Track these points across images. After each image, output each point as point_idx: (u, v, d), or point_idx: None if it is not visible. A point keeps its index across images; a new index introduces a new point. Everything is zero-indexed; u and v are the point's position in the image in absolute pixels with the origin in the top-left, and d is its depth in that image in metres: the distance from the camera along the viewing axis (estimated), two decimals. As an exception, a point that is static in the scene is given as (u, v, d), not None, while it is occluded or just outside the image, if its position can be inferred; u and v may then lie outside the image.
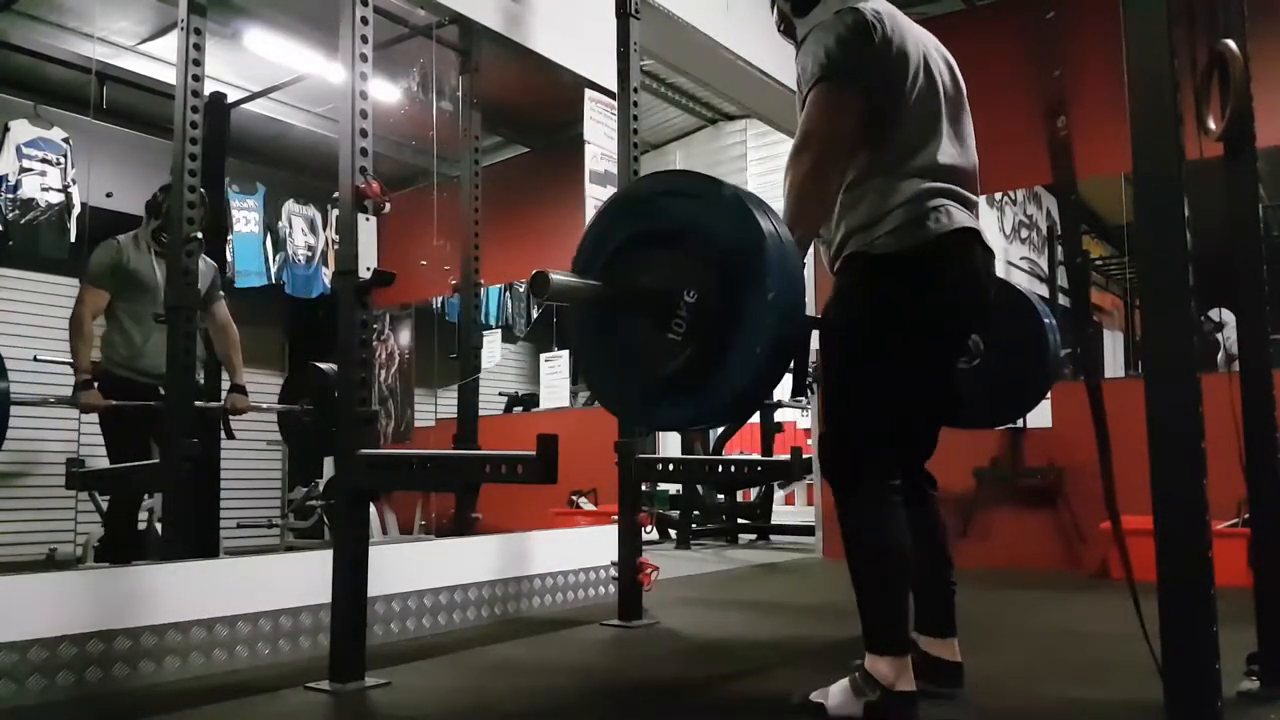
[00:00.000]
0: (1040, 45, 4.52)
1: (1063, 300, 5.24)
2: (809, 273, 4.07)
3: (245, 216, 5.87)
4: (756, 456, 6.24)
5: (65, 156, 4.83)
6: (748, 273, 1.70)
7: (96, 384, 3.58)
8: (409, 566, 3.08)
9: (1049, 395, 3.96)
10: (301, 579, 2.71)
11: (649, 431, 3.94)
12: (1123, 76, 1.78)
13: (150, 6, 4.66)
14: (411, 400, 5.83)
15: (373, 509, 3.74)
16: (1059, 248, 5.30)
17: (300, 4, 4.65)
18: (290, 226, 6.12)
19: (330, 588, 2.42)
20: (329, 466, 5.08)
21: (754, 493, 7.47)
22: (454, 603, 3.19)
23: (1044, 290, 5.29)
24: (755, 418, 6.82)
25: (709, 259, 1.75)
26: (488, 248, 4.45)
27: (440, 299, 5.66)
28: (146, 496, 3.69)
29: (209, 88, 3.89)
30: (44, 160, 4.77)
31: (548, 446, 2.07)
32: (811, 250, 2.15)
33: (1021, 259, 5.35)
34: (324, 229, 6.24)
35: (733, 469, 4.04)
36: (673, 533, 6.84)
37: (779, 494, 8.05)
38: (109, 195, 4.74)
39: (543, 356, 6.41)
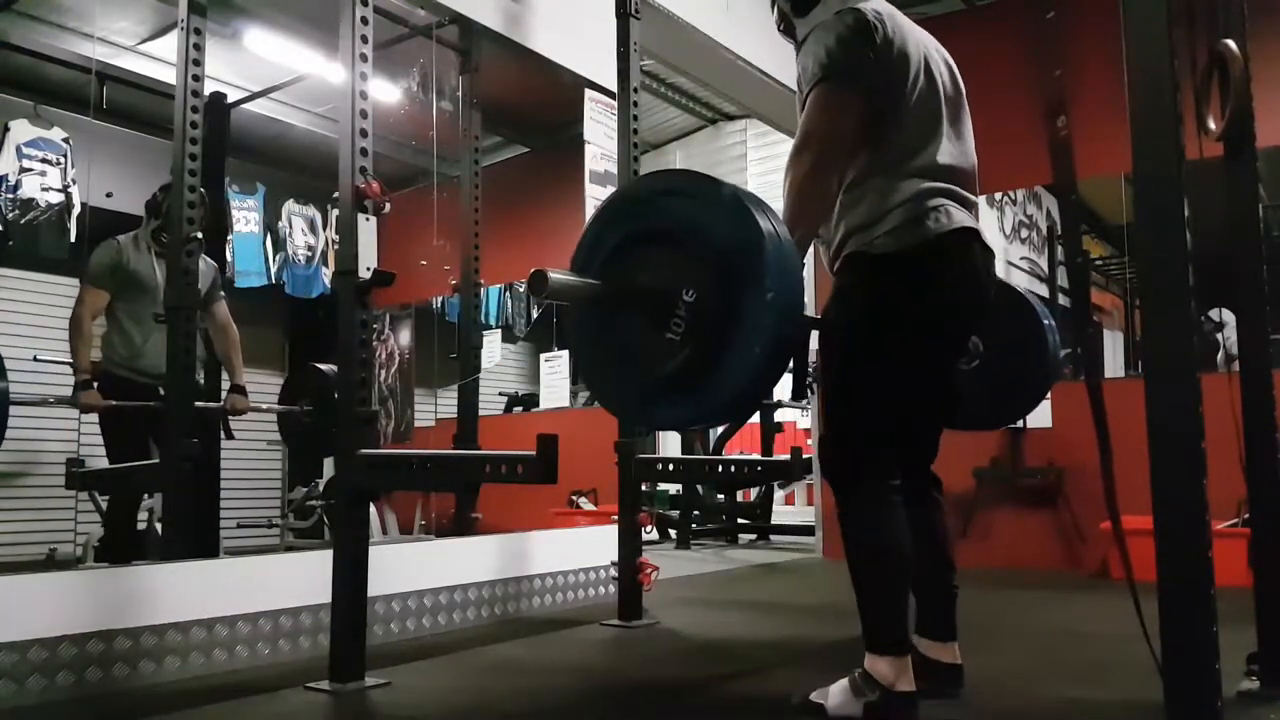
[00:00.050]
0: (1040, 45, 4.52)
1: (1063, 300, 5.24)
2: (809, 273, 4.08)
3: (245, 216, 5.87)
4: (756, 456, 6.24)
5: (65, 156, 4.83)
6: (746, 272, 1.70)
7: (96, 384, 3.58)
8: (409, 566, 3.08)
9: (1049, 395, 3.96)
10: (301, 579, 2.71)
11: (649, 431, 3.94)
12: (1123, 76, 1.78)
13: (150, 6, 4.66)
14: (411, 400, 5.83)
15: (373, 509, 3.74)
16: (1059, 248, 5.30)
17: (300, 4, 4.65)
18: (290, 226, 6.12)
19: (330, 588, 2.41)
20: (329, 466, 5.08)
21: (754, 493, 7.47)
22: (454, 603, 3.19)
23: (1044, 290, 5.29)
24: (755, 418, 6.82)
25: (708, 258, 1.75)
26: (488, 248, 4.45)
27: (440, 299, 5.66)
28: (146, 496, 3.69)
29: (209, 88, 3.89)
30: (44, 160, 4.77)
31: (548, 446, 2.07)
32: (811, 250, 2.15)
33: (1021, 259, 5.35)
34: (324, 229, 6.24)
35: (733, 469, 4.04)
36: (673, 533, 6.84)
37: (779, 494, 8.04)
38: (109, 195, 4.74)
39: (543, 356, 6.41)
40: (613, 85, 3.62)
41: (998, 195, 5.31)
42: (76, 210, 4.78)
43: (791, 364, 1.85)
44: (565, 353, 6.13)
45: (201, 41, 3.25)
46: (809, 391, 3.70)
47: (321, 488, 5.22)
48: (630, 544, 3.31)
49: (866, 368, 2.03)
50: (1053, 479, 4.83)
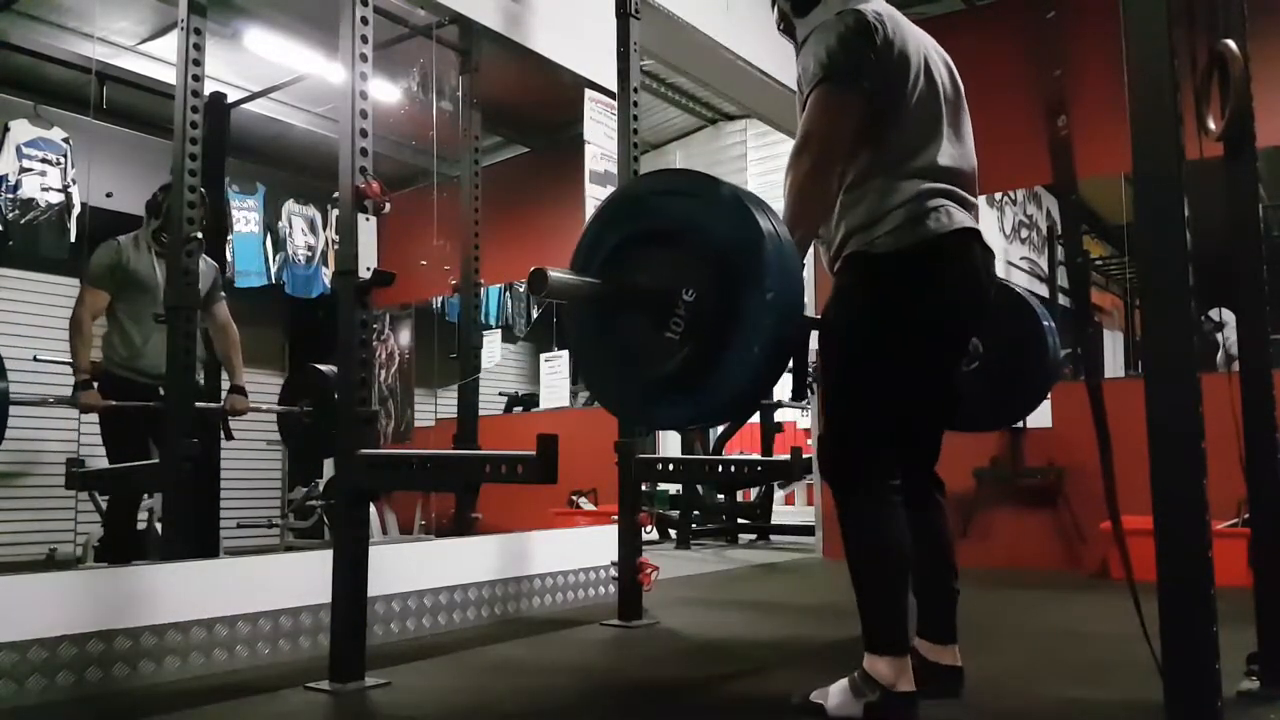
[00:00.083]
0: (1040, 45, 4.52)
1: (1063, 300, 5.24)
2: (809, 273, 4.08)
3: (245, 216, 5.87)
4: (756, 456, 6.24)
5: (65, 156, 4.83)
6: (746, 272, 1.70)
7: (96, 384, 3.58)
8: (409, 566, 3.08)
9: (1049, 395, 3.96)
10: (301, 579, 2.71)
11: (649, 431, 3.94)
12: (1123, 76, 1.78)
13: (150, 6, 4.66)
14: (411, 400, 5.83)
15: (373, 509, 3.74)
16: (1059, 248, 5.30)
17: (300, 4, 4.65)
18: (290, 226, 6.12)
19: (330, 588, 2.41)
20: (329, 466, 5.08)
21: (754, 493, 7.47)
22: (454, 603, 3.19)
23: (1044, 290, 5.29)
24: (755, 418, 6.82)
25: (708, 258, 1.75)
26: (488, 248, 4.45)
27: (440, 299, 5.66)
28: (146, 496, 3.69)
29: (209, 88, 3.89)
30: (44, 160, 4.77)
31: (548, 446, 2.07)
32: (811, 250, 2.15)
33: (1021, 259, 5.35)
34: (324, 229, 6.24)
35: (733, 469, 4.04)
36: (673, 533, 6.84)
37: (779, 494, 8.04)
38: (109, 195, 4.74)
39: (543, 356, 6.41)
40: (613, 85, 3.62)
41: (998, 195, 5.31)
42: (76, 210, 4.78)
43: (791, 364, 1.86)
44: (565, 353, 6.13)
45: (201, 41, 3.25)
46: (809, 391, 3.70)
47: (321, 488, 5.22)
48: (630, 544, 3.31)
49: (866, 368, 2.03)
50: (1053, 479, 4.83)
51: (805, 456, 3.21)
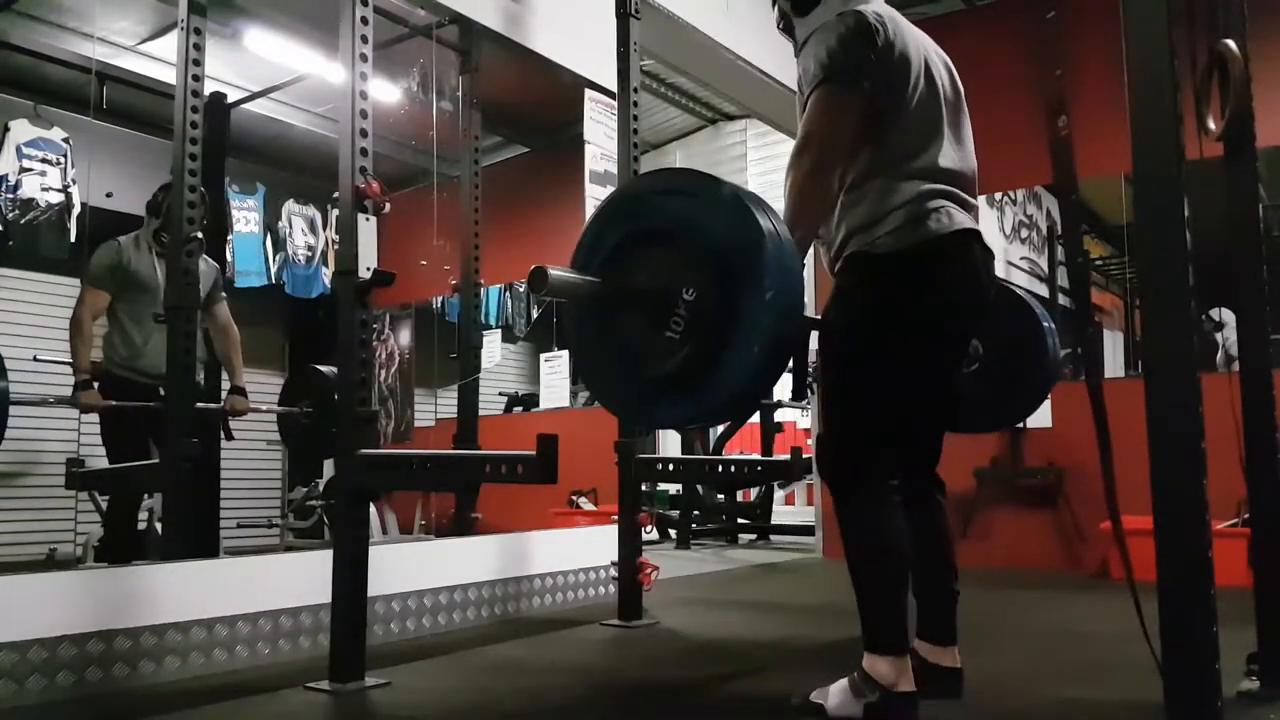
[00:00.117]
0: (1040, 45, 4.52)
1: (1063, 300, 5.24)
2: (808, 273, 4.08)
3: (245, 216, 5.87)
4: (756, 456, 6.24)
5: (65, 156, 4.83)
6: (746, 271, 1.70)
7: (97, 384, 3.58)
8: (409, 566, 3.08)
9: (1049, 396, 3.97)
10: (301, 579, 2.71)
11: (649, 431, 3.95)
12: (1123, 76, 1.78)
13: (150, 6, 4.66)
14: (411, 400, 5.83)
15: (373, 509, 3.74)
16: (1059, 248, 5.30)
17: (300, 4, 4.65)
18: (290, 226, 6.12)
19: (330, 588, 2.41)
20: (329, 466, 5.08)
21: (754, 493, 7.47)
22: (454, 603, 3.19)
23: (1044, 290, 5.29)
24: (755, 418, 6.83)
25: (708, 257, 1.75)
26: (488, 248, 4.45)
27: (440, 299, 5.66)
28: (146, 496, 3.69)
29: (209, 88, 3.89)
30: (44, 160, 4.77)
31: (548, 446, 2.07)
32: (811, 251, 2.15)
33: (1021, 259, 5.35)
34: (324, 229, 6.24)
35: (733, 469, 4.04)
36: (673, 533, 6.84)
37: (779, 494, 8.04)
38: (109, 195, 4.74)
39: (543, 356, 6.41)
40: (613, 85, 3.62)
41: (998, 195, 5.31)
42: (76, 210, 4.78)
43: (791, 364, 1.85)
44: (565, 353, 6.13)
45: (201, 41, 3.25)
46: (808, 391, 3.70)
47: (321, 488, 5.22)
48: (630, 544, 3.31)
49: (867, 368, 2.03)
50: (1053, 479, 4.83)
51: (805, 456, 3.21)
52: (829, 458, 2.09)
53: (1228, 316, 3.94)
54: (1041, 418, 4.73)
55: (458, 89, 4.52)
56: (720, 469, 4.00)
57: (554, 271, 1.73)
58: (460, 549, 3.48)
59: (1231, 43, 2.23)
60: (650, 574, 3.42)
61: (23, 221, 4.68)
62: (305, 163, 6.00)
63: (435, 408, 5.50)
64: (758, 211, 1.74)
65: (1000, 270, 4.52)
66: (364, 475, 2.43)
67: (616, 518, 3.37)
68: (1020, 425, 4.74)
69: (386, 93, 4.53)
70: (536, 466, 2.08)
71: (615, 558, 3.37)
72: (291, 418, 5.25)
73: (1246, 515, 2.54)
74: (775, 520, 7.31)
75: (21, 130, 4.72)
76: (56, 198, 4.78)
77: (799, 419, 7.79)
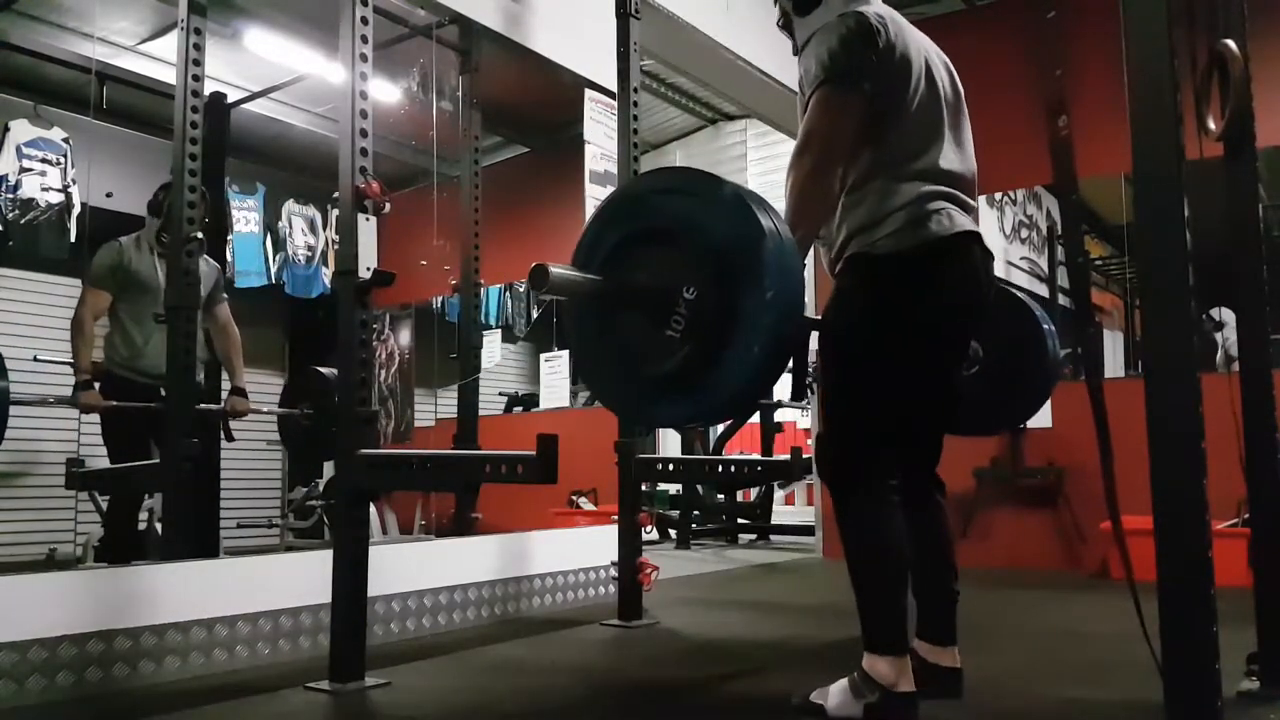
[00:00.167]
0: (1040, 45, 4.52)
1: (1063, 300, 5.24)
2: (809, 274, 4.08)
3: (245, 216, 5.87)
4: (756, 456, 6.24)
5: (65, 156, 4.83)
6: (747, 270, 1.70)
7: (98, 384, 3.58)
8: (409, 566, 3.08)
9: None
10: (301, 579, 2.71)
11: (649, 431, 3.95)
12: (1123, 76, 1.78)
13: (150, 6, 4.66)
14: (411, 400, 5.83)
15: (373, 509, 3.74)
16: (1059, 248, 5.30)
17: (300, 4, 4.65)
18: (290, 226, 6.12)
19: (330, 588, 2.42)
20: (329, 466, 5.08)
21: (754, 493, 7.47)
22: (454, 603, 3.19)
23: (1044, 290, 5.29)
24: (755, 418, 6.83)
25: (708, 256, 1.75)
26: (488, 248, 4.45)
27: (440, 299, 5.66)
28: (146, 496, 3.69)
29: (209, 88, 3.89)
30: (44, 160, 4.77)
31: (548, 446, 2.07)
32: (811, 252, 2.15)
33: (1021, 259, 5.35)
34: (324, 229, 6.24)
35: (733, 469, 4.04)
36: (673, 533, 6.84)
37: (779, 494, 8.04)
38: (109, 195, 4.74)
39: (543, 356, 6.41)
40: (613, 85, 3.62)
41: (998, 195, 5.30)
42: (76, 210, 4.77)
43: (791, 364, 1.85)
44: (565, 353, 6.12)
45: (201, 41, 3.25)
46: (808, 392, 3.70)
47: (321, 488, 5.22)
48: (630, 544, 3.31)
49: (867, 368, 2.04)
50: (1053, 479, 4.83)
51: (805, 457, 3.21)
52: (829, 458, 2.09)
53: (1228, 316, 3.94)
54: (1041, 418, 4.72)
55: (458, 89, 4.52)
56: (720, 469, 4.00)
57: (555, 269, 1.73)
58: (460, 549, 3.47)
59: (1231, 43, 2.23)
60: (650, 574, 3.42)
61: (23, 221, 4.68)
62: (305, 163, 6.00)
63: (435, 408, 5.50)
64: (759, 210, 1.74)
65: (1000, 270, 4.52)
66: (364, 475, 2.43)
67: (616, 518, 3.37)
68: (1020, 426, 4.74)
69: (386, 93, 4.53)
70: (536, 466, 2.08)
71: (615, 558, 3.37)
72: (292, 419, 5.25)
73: (1246, 515, 2.54)
74: (775, 520, 7.31)
75: (21, 130, 4.72)
76: (56, 198, 4.78)
77: (799, 419, 7.80)
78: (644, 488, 4.52)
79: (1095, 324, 4.96)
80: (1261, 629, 2.14)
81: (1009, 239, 5.33)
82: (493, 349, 5.78)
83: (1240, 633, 2.07)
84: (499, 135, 5.88)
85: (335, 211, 4.52)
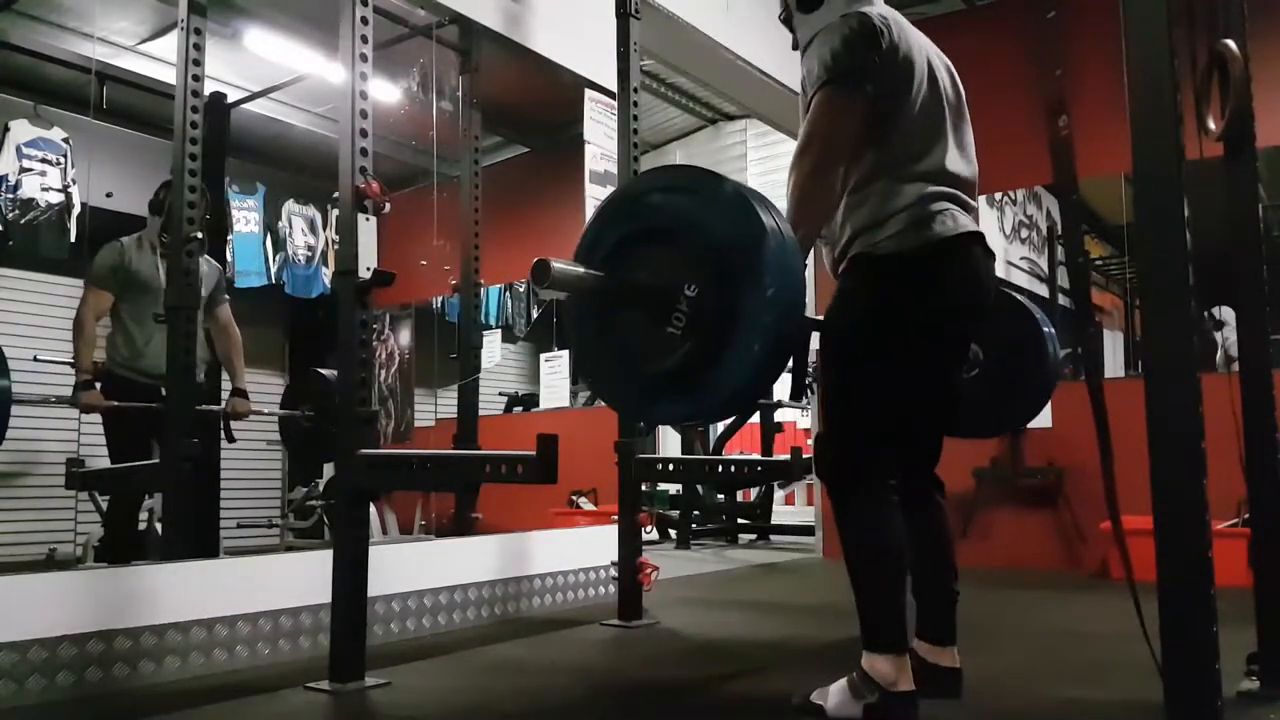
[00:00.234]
0: (1040, 45, 4.52)
1: (1063, 300, 5.24)
2: (809, 274, 4.08)
3: (245, 216, 5.87)
4: (756, 456, 6.24)
5: (65, 156, 4.83)
6: (748, 268, 1.70)
7: (99, 384, 3.58)
8: (409, 566, 3.08)
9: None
10: (301, 579, 2.71)
11: (649, 431, 3.95)
12: (1123, 76, 1.78)
13: (150, 6, 4.66)
14: (411, 400, 5.83)
15: (373, 509, 3.74)
16: (1059, 248, 5.30)
17: (300, 4, 4.65)
18: (290, 226, 6.12)
19: (330, 588, 2.41)
20: (329, 467, 5.08)
21: (754, 493, 7.47)
22: (454, 603, 3.19)
23: (1044, 290, 5.29)
24: (755, 418, 6.83)
25: (709, 253, 1.75)
26: (488, 248, 4.45)
27: (440, 299, 5.66)
28: (146, 496, 3.69)
29: (209, 88, 3.89)
30: (44, 160, 4.77)
31: (548, 446, 2.07)
32: (811, 252, 2.15)
33: (1021, 259, 5.35)
34: (324, 229, 6.24)
35: (733, 469, 4.04)
36: (673, 533, 6.84)
37: (779, 494, 8.05)
38: (109, 195, 4.74)
39: (543, 356, 6.41)
40: (613, 85, 3.62)
41: (998, 195, 5.30)
42: (76, 210, 4.78)
43: (791, 363, 1.85)
44: (565, 353, 6.12)
45: (201, 41, 3.25)
46: (808, 392, 3.70)
47: (321, 488, 5.22)
48: (630, 544, 3.31)
49: (867, 368, 2.04)
50: (1053, 479, 4.83)
51: (805, 456, 3.21)
52: (829, 458, 2.09)
53: (1228, 315, 3.94)
54: (1041, 418, 4.70)
55: (458, 89, 4.52)
56: (720, 469, 4.00)
57: (557, 264, 1.73)
58: (460, 549, 3.48)
59: (1231, 43, 2.23)
60: (650, 574, 3.42)
61: (23, 221, 4.68)
62: (305, 163, 6.00)
63: (435, 408, 5.51)
64: (760, 208, 1.74)
65: (1000, 270, 4.52)
66: (364, 475, 2.43)
67: (616, 518, 3.37)
68: (1020, 428, 4.74)
69: (386, 93, 4.53)
70: (536, 466, 2.08)
71: (615, 558, 3.37)
72: (293, 420, 5.25)
73: (1246, 515, 2.54)
74: (775, 520, 7.31)
75: (21, 130, 4.72)
76: (56, 198, 4.78)
77: (799, 419, 7.80)
78: (644, 488, 4.52)
79: (1095, 324, 4.96)
80: (1261, 629, 2.14)
81: (1009, 239, 5.33)
82: (493, 349, 5.78)
83: (1240, 633, 2.07)
84: (499, 135, 5.88)
85: (335, 211, 4.53)
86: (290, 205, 6.12)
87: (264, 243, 5.96)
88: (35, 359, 4.19)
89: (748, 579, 5.08)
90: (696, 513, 6.92)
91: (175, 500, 3.12)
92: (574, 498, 5.75)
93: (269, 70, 5.10)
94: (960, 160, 2.13)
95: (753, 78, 5.08)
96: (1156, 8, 1.76)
